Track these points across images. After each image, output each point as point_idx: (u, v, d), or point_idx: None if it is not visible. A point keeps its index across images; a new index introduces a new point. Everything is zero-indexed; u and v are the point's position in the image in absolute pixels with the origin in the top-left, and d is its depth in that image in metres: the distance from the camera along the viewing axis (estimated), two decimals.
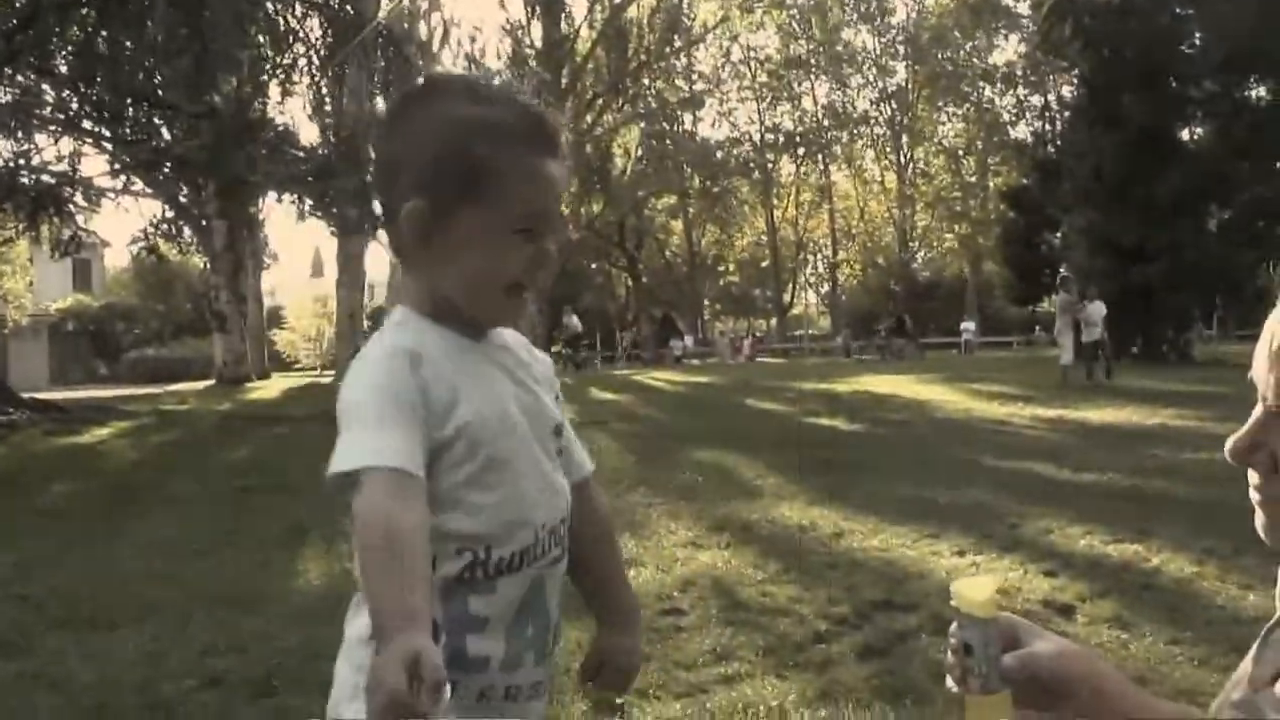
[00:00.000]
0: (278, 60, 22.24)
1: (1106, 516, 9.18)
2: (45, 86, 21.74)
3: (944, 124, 73.57)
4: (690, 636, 6.18)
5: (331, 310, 44.85)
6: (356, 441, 1.64)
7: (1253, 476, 1.42)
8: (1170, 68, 34.36)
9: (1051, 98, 61.50)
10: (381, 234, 34.01)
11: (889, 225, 73.37)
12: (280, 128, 22.65)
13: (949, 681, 1.65)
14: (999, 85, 69.46)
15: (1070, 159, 36.92)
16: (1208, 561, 7.46)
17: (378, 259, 61.12)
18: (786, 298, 76.19)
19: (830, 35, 70.71)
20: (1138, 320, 29.02)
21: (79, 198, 22.52)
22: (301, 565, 8.61)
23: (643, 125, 56.32)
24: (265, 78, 23.17)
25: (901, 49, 72.29)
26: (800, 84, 73.50)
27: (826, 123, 73.20)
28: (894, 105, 72.62)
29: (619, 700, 5.05)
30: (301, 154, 22.33)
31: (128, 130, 21.12)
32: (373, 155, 2.00)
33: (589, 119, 47.58)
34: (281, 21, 21.60)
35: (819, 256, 79.46)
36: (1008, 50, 69.80)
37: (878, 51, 72.98)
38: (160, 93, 20.41)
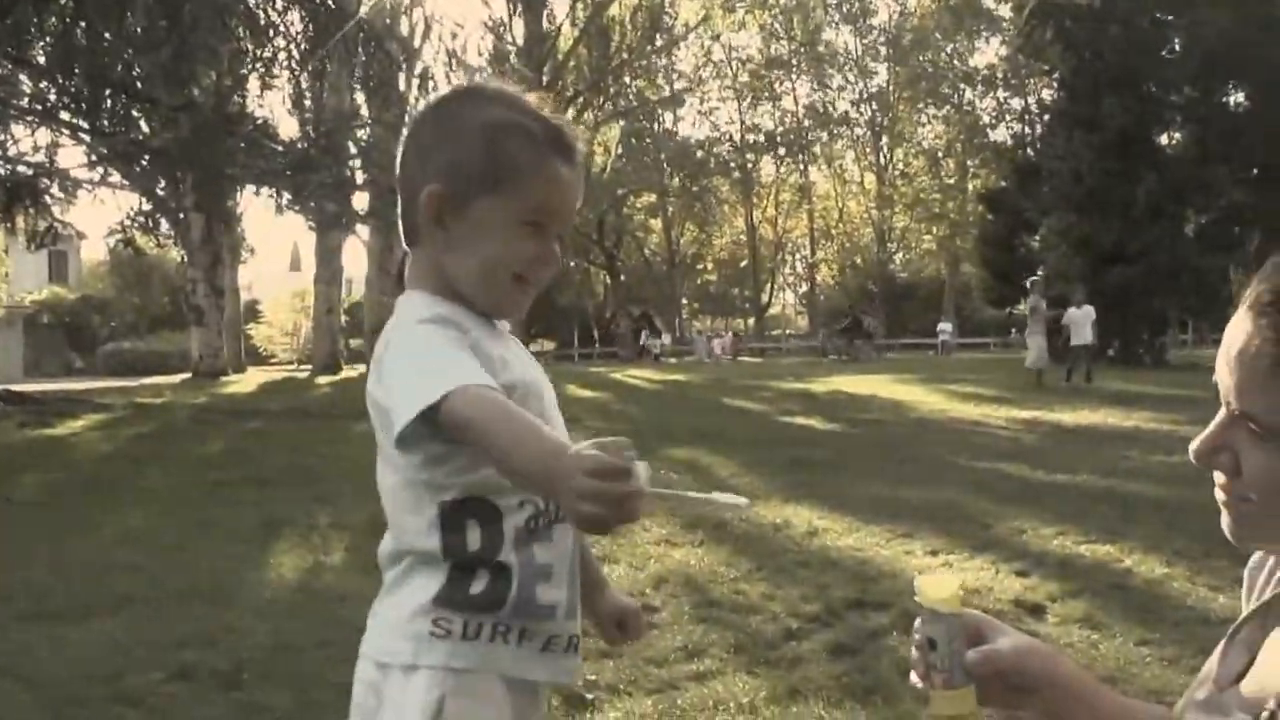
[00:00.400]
0: (258, 54, 22.08)
1: (1079, 517, 9.21)
2: (22, 76, 21.57)
3: (924, 125, 73.82)
4: (662, 633, 6.18)
5: (309, 305, 44.81)
6: (431, 378, 1.68)
7: (1218, 477, 1.44)
8: (1149, 73, 34.55)
9: (1031, 101, 61.64)
10: (361, 229, 34.11)
11: (868, 226, 73.54)
12: (259, 121, 22.53)
13: (913, 676, 1.66)
14: (979, 87, 69.70)
15: (1049, 162, 37.06)
16: (1178, 563, 7.49)
17: (356, 254, 61.09)
18: (764, 297, 76.31)
19: (812, 35, 70.87)
20: (1114, 323, 29.14)
21: (55, 189, 22.39)
22: (274, 559, 8.58)
23: (623, 123, 56.42)
24: (245, 71, 23.03)
25: (883, 50, 72.47)
26: (781, 84, 73.63)
27: (807, 123, 73.36)
28: (874, 106, 72.79)
29: (589, 696, 5.06)
30: (280, 148, 22.22)
31: (105, 121, 20.96)
32: (401, 149, 1.99)
33: (569, 116, 47.54)
34: (262, 15, 21.45)
35: (797, 256, 79.74)
36: (989, 53, 70.09)
37: (859, 52, 73.22)
38: (139, 84, 20.28)
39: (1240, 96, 37.05)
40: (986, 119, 70.14)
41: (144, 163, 22.67)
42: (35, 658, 5.99)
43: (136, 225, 23.52)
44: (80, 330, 57.31)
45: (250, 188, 24.48)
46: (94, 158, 23.08)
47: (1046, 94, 49.52)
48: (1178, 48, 35.89)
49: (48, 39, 20.22)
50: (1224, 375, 1.41)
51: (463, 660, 1.80)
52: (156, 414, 20.86)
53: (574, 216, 2.05)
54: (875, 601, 6.62)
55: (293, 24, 22.55)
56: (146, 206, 23.89)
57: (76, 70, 19.54)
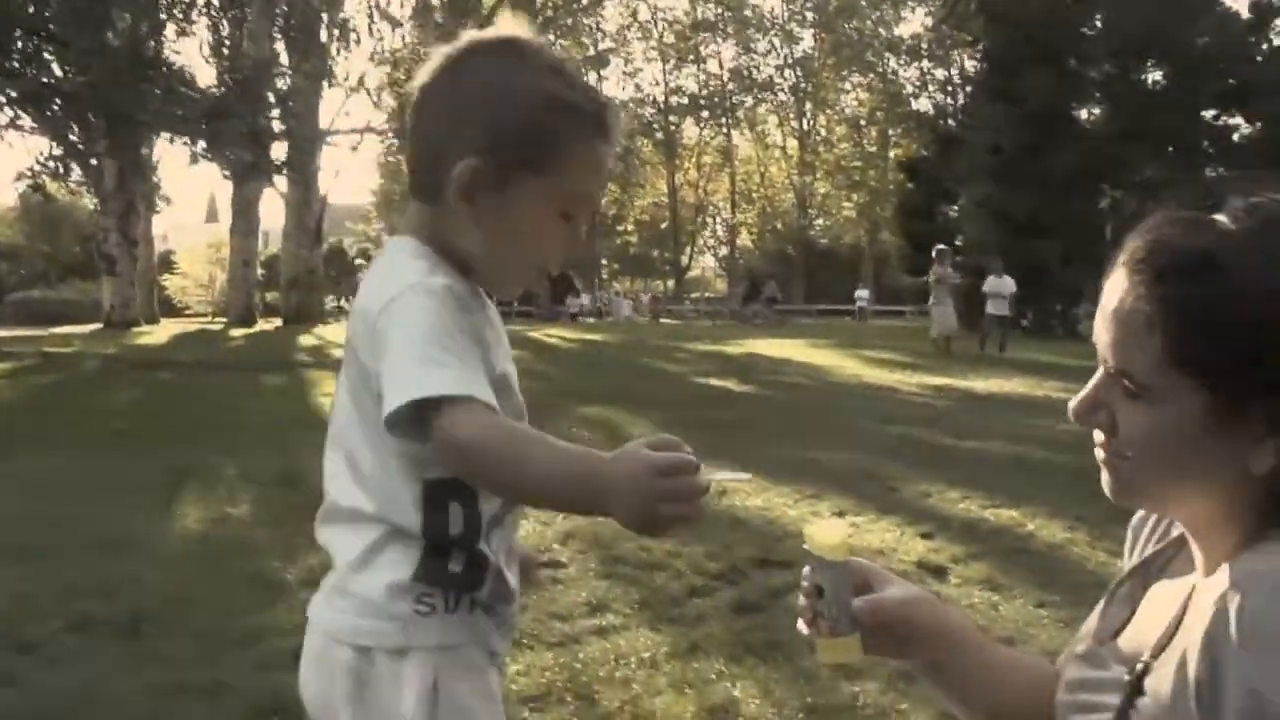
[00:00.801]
0: None
1: (985, 482, 9.31)
2: None
3: (847, 93, 74.12)
4: (567, 588, 6.18)
5: (225, 257, 44.30)
6: (434, 369, 1.62)
7: (1096, 436, 1.45)
8: (1070, 48, 34.99)
9: (954, 72, 62.14)
10: (279, 181, 33.67)
11: (789, 191, 73.80)
12: (175, 67, 22.14)
13: (800, 623, 1.66)
14: (903, 57, 70.00)
15: (970, 133, 37.48)
16: (1080, 528, 7.59)
17: (274, 206, 60.35)
18: (685, 260, 76.36)
19: None
20: (1029, 294, 29.47)
21: None
22: (178, 510, 8.47)
23: None
24: (163, 16, 22.62)
25: (809, 16, 72.53)
26: (706, 47, 73.55)
27: (731, 86, 73.34)
28: (799, 72, 72.93)
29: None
30: (196, 95, 21.86)
31: (15, 63, 20.53)
32: (428, 94, 1.84)
33: None
34: None
35: (718, 220, 79.75)
36: (914, 22, 70.55)
37: (785, 18, 73.20)
38: (50, 25, 19.87)
39: (1158, 75, 37.56)
40: (909, 88, 70.61)
41: (55, 106, 22.13)
42: None
43: (47, 171, 23.07)
44: None
45: (165, 135, 24.06)
46: (2, 100, 22.56)
47: (969, 65, 49.91)
48: (1098, 24, 36.32)
49: None
50: (1101, 333, 1.43)
51: (452, 635, 1.77)
52: (64, 364, 20.56)
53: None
54: (780, 560, 6.64)
55: None
56: (57, 152, 23.38)
57: None
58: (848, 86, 73.66)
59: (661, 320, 52.59)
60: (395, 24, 36.94)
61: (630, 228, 76.43)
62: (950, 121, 50.02)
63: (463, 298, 1.74)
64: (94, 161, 28.38)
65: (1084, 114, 37.98)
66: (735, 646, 5.27)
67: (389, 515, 1.76)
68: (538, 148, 1.76)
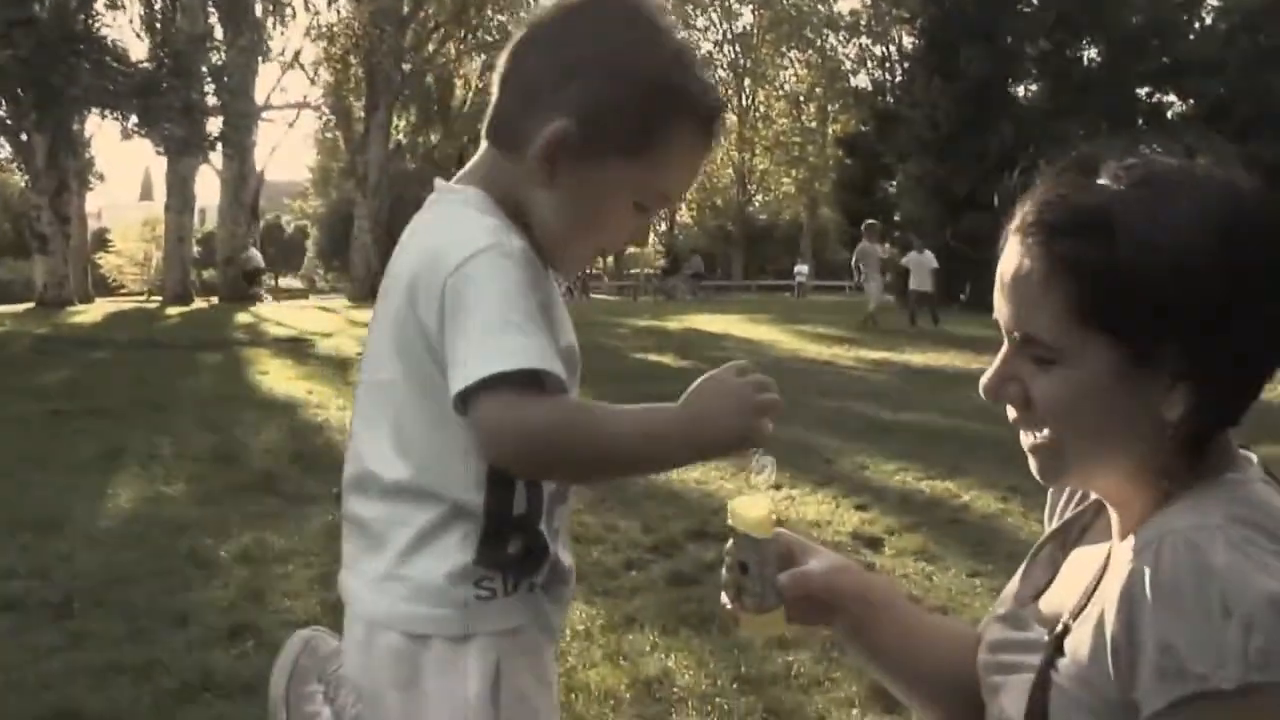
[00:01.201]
0: None
1: (921, 454, 9.41)
2: None
3: (786, 69, 74.09)
4: None
5: (160, 235, 43.81)
6: (520, 340, 1.53)
7: (1010, 412, 1.45)
8: (1007, 24, 35.17)
9: (892, 48, 62.30)
10: (214, 156, 33.36)
11: (727, 167, 73.76)
12: (105, 41, 21.83)
13: (724, 597, 1.67)
14: (842, 33, 70.11)
15: (907, 109, 37.59)
16: (1013, 498, 7.67)
17: (209, 182, 59.76)
18: None
19: None
20: (967, 269, 29.67)
21: None
22: (112, 489, 8.40)
23: (485, 57, 55.70)
24: None
25: None
26: None
27: None
28: (738, 48, 72.88)
29: None
30: (128, 70, 21.58)
31: None
32: (541, 34, 1.72)
33: (430, 48, 46.87)
34: None
35: None
36: None
37: None
38: None
39: (1093, 52, 37.89)
40: (848, 64, 70.70)
41: None
42: None
43: None
44: None
45: (96, 111, 23.75)
46: None
47: (907, 41, 50.04)
48: (1035, 1, 36.56)
49: None
50: (1001, 306, 1.43)
51: (513, 618, 1.69)
52: None
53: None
54: (716, 533, 6.66)
55: None
56: None
57: None
58: (786, 63, 73.71)
59: (592, 296, 52.57)
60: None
61: None
62: (888, 98, 50.20)
63: (535, 264, 1.64)
64: (24, 137, 27.97)
65: (1021, 90, 38.25)
66: (669, 619, 5.31)
67: (445, 491, 1.65)
68: (639, 133, 1.64)
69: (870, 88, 60.27)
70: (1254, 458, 1.42)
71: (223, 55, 25.70)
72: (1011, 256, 1.41)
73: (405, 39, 43.41)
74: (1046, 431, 1.42)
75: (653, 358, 18.05)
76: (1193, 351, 1.31)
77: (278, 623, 5.15)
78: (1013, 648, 1.51)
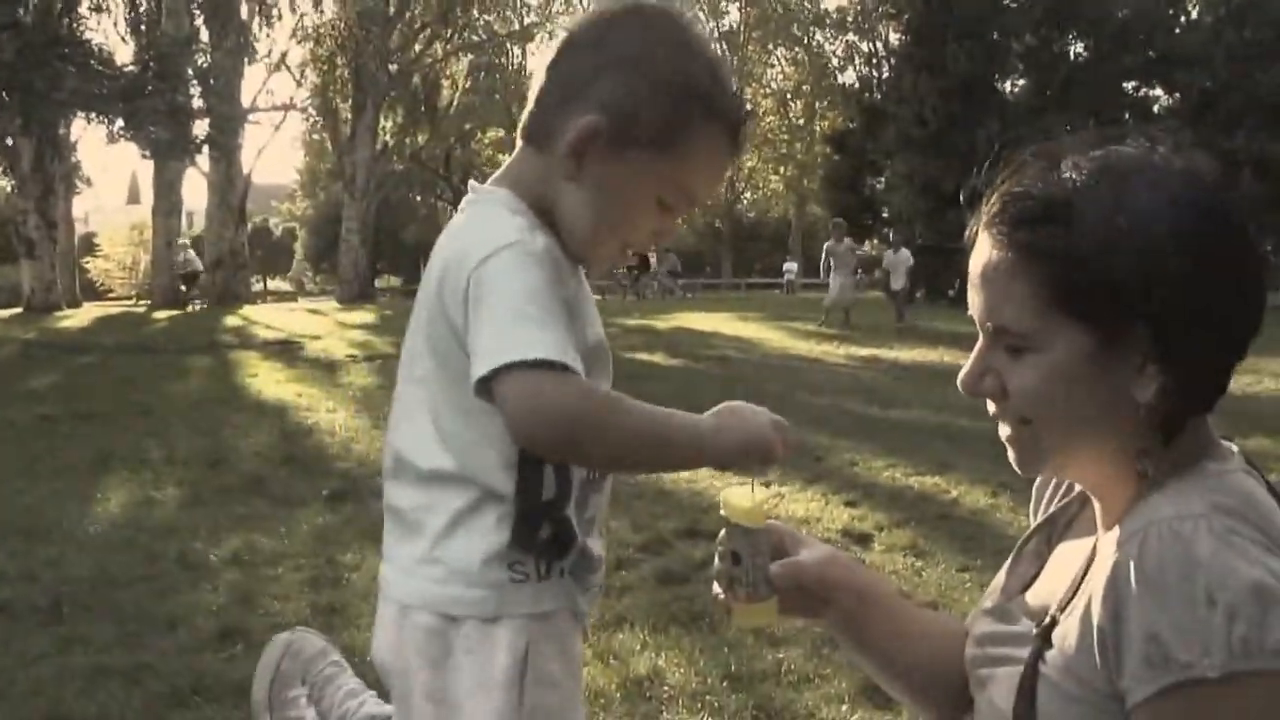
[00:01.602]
0: None
1: (910, 450, 9.42)
2: None
3: (773, 66, 74.11)
4: None
5: (148, 239, 43.69)
6: (538, 332, 1.58)
7: (990, 406, 1.47)
8: (992, 20, 35.23)
9: (879, 44, 62.36)
10: (201, 159, 33.30)
11: None
12: (90, 44, 21.78)
13: (715, 587, 1.67)
14: (829, 30, 70.15)
15: (895, 105, 37.62)
16: (1002, 494, 7.69)
17: (196, 186, 59.65)
18: None
19: None
20: (955, 264, 29.80)
21: None
22: (101, 494, 8.38)
23: (471, 57, 55.68)
24: None
25: None
26: None
27: None
28: (725, 46, 72.83)
29: None
30: (114, 73, 21.53)
31: None
32: (580, 38, 1.79)
33: (416, 49, 46.79)
34: None
35: None
36: None
37: None
38: None
39: (1079, 47, 37.98)
40: (835, 61, 70.74)
41: None
42: None
43: None
44: None
45: (82, 114, 23.68)
46: None
47: (894, 37, 50.10)
48: None
49: None
50: (975, 301, 1.46)
51: (545, 602, 1.74)
52: None
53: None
54: (706, 531, 6.67)
55: None
56: None
57: None
58: (773, 60, 73.76)
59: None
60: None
61: None
62: (876, 94, 50.26)
63: (560, 261, 1.70)
64: (9, 141, 27.90)
65: (1007, 86, 38.34)
66: (660, 617, 5.30)
67: (477, 477, 1.70)
68: (664, 131, 1.70)
69: (857, 84, 60.38)
70: (1234, 448, 1.43)
71: (208, 58, 25.67)
72: (981, 250, 1.45)
73: (391, 39, 43.31)
74: (1022, 420, 1.44)
75: (642, 356, 18.04)
76: (1160, 333, 1.34)
77: (267, 626, 5.14)
78: (1000, 641, 1.53)
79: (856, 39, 68.67)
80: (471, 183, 1.83)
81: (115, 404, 12.82)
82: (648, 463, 1.68)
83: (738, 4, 72.36)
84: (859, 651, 1.77)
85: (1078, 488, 1.59)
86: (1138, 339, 1.34)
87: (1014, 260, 1.38)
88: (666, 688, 4.55)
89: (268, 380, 15.15)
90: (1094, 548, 1.45)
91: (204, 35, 29.50)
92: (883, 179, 43.18)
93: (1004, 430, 1.49)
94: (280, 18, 40.27)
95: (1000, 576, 1.65)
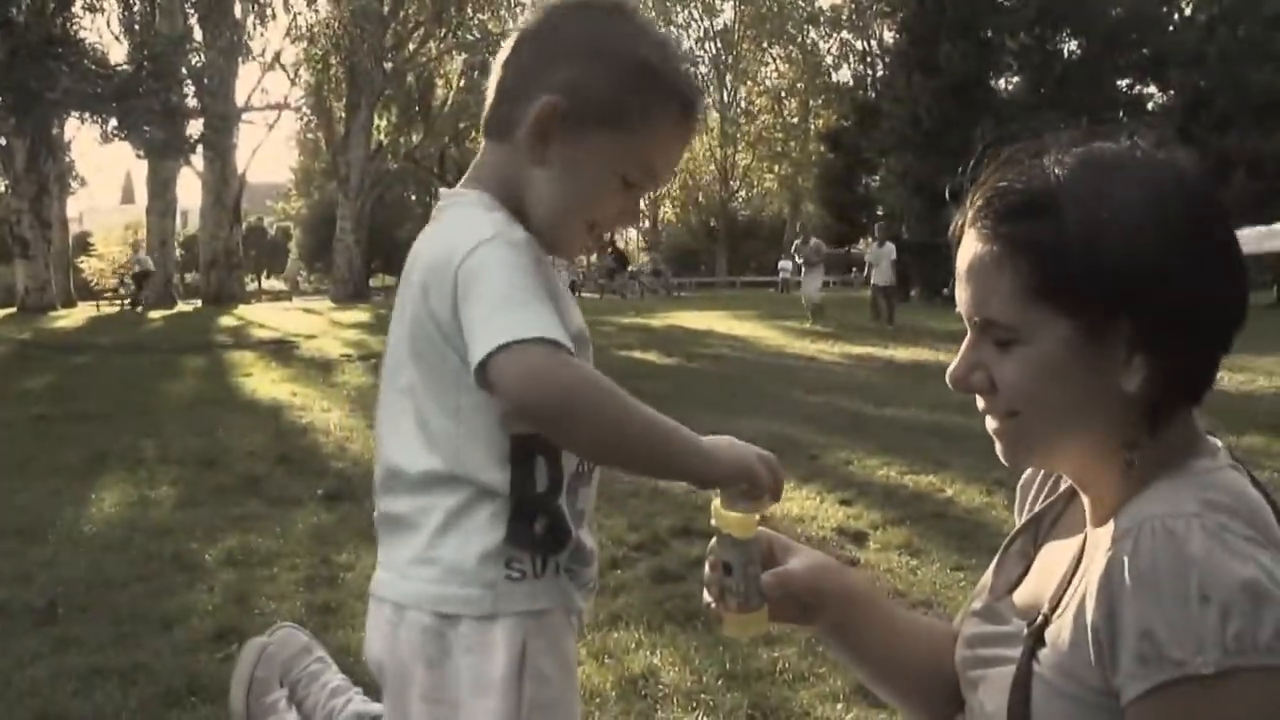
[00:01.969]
0: None
1: (905, 449, 9.42)
2: None
3: (768, 65, 74.18)
4: None
5: (142, 238, 43.66)
6: (531, 313, 1.60)
7: (980, 402, 1.47)
8: (986, 19, 35.29)
9: (873, 43, 62.41)
10: (195, 158, 33.27)
11: (710, 164, 73.84)
12: (84, 44, 21.75)
13: (706, 596, 1.67)
14: (823, 28, 70.21)
15: (889, 103, 37.69)
16: (998, 492, 7.66)
17: (190, 185, 59.66)
18: (607, 234, 76.30)
19: None
20: (948, 262, 29.84)
21: None
22: (96, 494, 8.38)
23: (465, 56, 55.69)
24: None
25: None
26: None
27: None
28: (719, 44, 72.91)
29: None
30: (107, 73, 21.50)
31: None
32: (525, 38, 1.82)
33: (410, 48, 46.79)
34: None
35: None
36: None
37: None
38: None
39: (1073, 46, 38.04)
40: (830, 59, 70.84)
41: None
42: None
43: None
44: None
45: (75, 114, 23.67)
46: None
47: (888, 36, 50.17)
48: None
49: None
50: (962, 298, 1.46)
51: (541, 600, 1.74)
52: None
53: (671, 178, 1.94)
54: (702, 530, 6.66)
55: None
56: None
57: None
58: (768, 59, 73.81)
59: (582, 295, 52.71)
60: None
61: None
62: (870, 92, 50.34)
63: (539, 253, 1.72)
64: (3, 141, 27.85)
65: (1001, 84, 38.40)
66: (655, 616, 5.31)
67: (469, 474, 1.70)
68: (621, 107, 1.73)
69: (852, 83, 60.55)
70: (1220, 444, 1.44)
71: (202, 57, 25.66)
72: (967, 245, 1.46)
73: (385, 38, 43.33)
74: (1010, 412, 1.45)
75: (637, 354, 18.05)
76: (1144, 323, 1.35)
77: (263, 626, 5.08)
78: (990, 641, 1.53)
79: (851, 37, 68.82)
80: (441, 189, 1.85)
81: (110, 404, 12.81)
82: (644, 456, 1.66)
83: (732, 2, 72.41)
84: (851, 656, 1.77)
85: (1062, 486, 1.60)
86: (1123, 330, 1.35)
87: (999, 253, 1.39)
88: (662, 686, 4.55)
89: (262, 380, 15.16)
90: (1082, 545, 1.46)
91: (198, 34, 29.48)
92: (877, 177, 43.21)
93: (991, 423, 1.49)
94: (274, 17, 40.38)
95: (987, 577, 1.65)
